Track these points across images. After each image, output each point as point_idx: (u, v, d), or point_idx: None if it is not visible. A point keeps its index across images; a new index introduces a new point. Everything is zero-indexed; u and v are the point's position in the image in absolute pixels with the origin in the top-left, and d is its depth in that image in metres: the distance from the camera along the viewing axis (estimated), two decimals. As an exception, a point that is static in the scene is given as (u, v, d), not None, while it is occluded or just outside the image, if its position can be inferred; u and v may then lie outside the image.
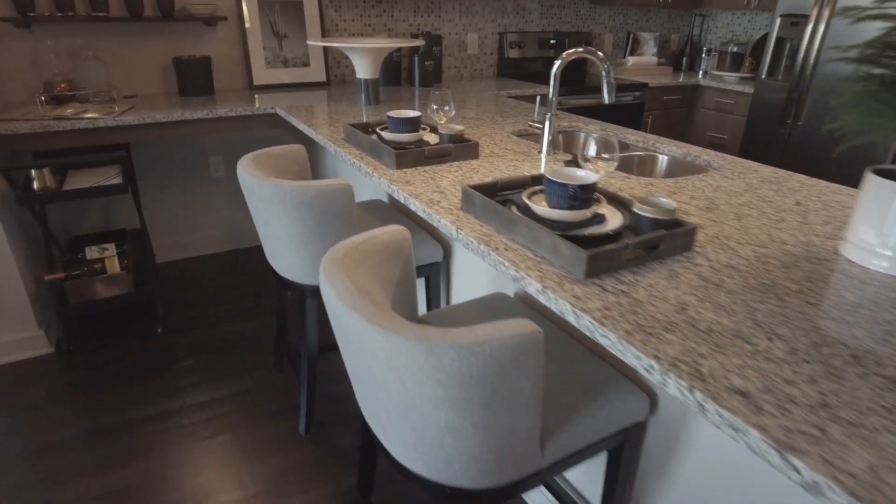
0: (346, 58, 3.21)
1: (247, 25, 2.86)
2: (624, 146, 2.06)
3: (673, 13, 4.28)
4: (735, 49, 4.05)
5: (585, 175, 1.18)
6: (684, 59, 4.25)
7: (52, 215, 2.76)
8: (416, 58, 3.13)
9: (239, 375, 2.23)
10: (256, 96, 2.80)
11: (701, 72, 4.11)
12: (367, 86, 2.52)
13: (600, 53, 1.62)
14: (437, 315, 1.37)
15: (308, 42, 2.44)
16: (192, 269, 3.09)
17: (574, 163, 1.71)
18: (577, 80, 3.55)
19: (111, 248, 2.41)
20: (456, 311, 1.39)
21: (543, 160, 1.73)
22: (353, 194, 1.57)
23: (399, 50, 3.19)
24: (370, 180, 2.02)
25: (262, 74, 2.94)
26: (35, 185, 2.14)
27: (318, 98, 2.71)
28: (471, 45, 3.55)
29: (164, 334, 2.49)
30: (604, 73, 1.63)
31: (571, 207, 1.14)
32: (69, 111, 2.26)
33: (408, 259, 1.17)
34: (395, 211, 2.03)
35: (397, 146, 1.71)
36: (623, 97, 3.50)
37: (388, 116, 1.79)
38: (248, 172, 1.57)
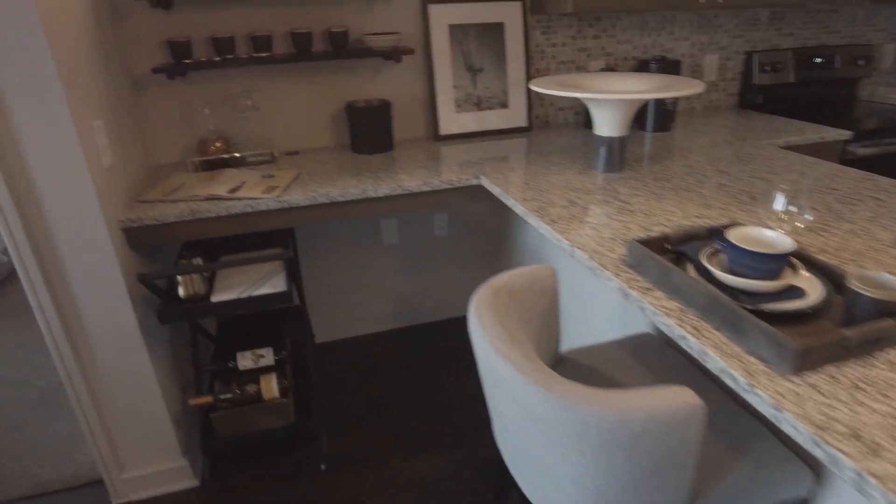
0: (550, 93, 2.47)
1: (435, 58, 2.22)
2: None
3: None
4: None
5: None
6: None
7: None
8: (650, 93, 2.32)
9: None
10: (443, 150, 2.16)
11: None
12: (611, 147, 1.76)
13: None
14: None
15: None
16: (356, 356, 2.53)
17: None
18: (837, 109, 2.54)
19: (268, 356, 1.86)
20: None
21: None
22: (704, 418, 0.85)
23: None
24: (741, 390, 1.24)
25: (450, 120, 2.29)
26: (181, 291, 1.62)
27: (524, 153, 2.00)
28: (708, 69, 2.68)
29: (329, 471, 1.91)
30: None
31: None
32: (224, 189, 1.73)
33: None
34: (675, 355, 1.26)
35: (751, 296, 0.95)
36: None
37: (728, 244, 1.02)
38: (495, 346, 0.89)
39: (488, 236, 2.66)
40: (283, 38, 2.09)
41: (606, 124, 1.72)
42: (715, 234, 1.10)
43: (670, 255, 1.19)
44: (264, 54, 1.97)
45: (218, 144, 2.04)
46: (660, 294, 1.07)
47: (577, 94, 1.57)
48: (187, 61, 1.92)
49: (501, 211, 2.59)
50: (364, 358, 2.52)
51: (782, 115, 2.54)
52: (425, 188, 1.78)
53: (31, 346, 2.79)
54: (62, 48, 1.39)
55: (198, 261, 1.68)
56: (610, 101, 1.61)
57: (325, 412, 2.19)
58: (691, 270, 1.11)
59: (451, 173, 1.84)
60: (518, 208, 1.55)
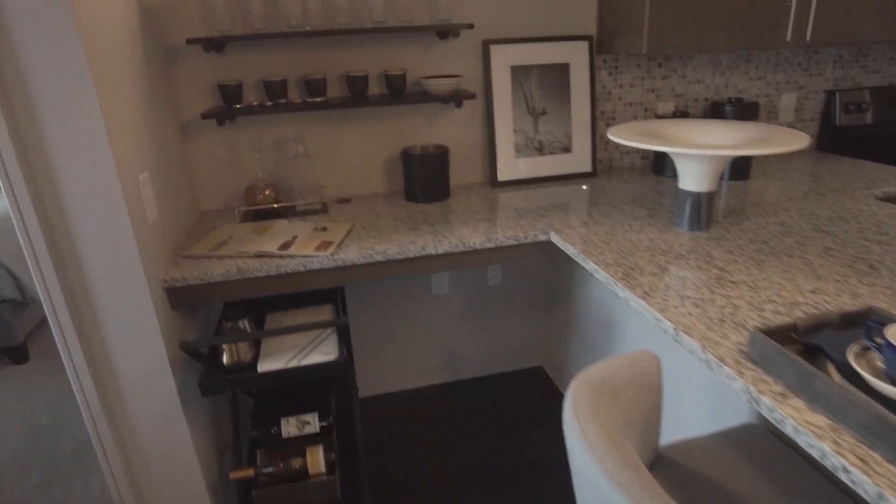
0: (615, 136, 2.31)
1: (495, 101, 2.09)
2: None
3: None
4: None
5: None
6: None
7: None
8: (727, 137, 2.13)
9: None
10: (502, 197, 2.01)
11: None
12: (697, 203, 1.58)
13: None
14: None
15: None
16: (402, 413, 2.36)
17: None
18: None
19: (313, 422, 1.71)
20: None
21: None
22: None
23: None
24: None
25: (509, 165, 2.14)
26: (225, 358, 1.49)
27: (592, 202, 1.84)
28: (785, 109, 2.48)
29: (374, 553, 1.73)
30: None
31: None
32: (275, 245, 1.60)
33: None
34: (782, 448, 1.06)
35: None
36: None
37: (892, 347, 0.83)
38: (603, 466, 0.73)
39: (546, 286, 2.49)
40: (337, 80, 1.99)
41: (694, 178, 1.55)
42: (870, 331, 0.91)
43: (798, 346, 1.00)
44: (318, 99, 1.87)
45: (267, 192, 1.93)
46: (799, 403, 0.88)
47: (669, 149, 1.40)
48: (238, 106, 1.82)
49: (561, 260, 2.42)
50: (410, 415, 2.35)
51: (868, 160, 2.33)
52: (489, 244, 1.63)
53: (68, 391, 2.70)
54: (110, 100, 1.29)
55: (244, 323, 1.56)
56: (703, 158, 1.44)
57: (372, 486, 2.02)
58: (832, 371, 0.92)
59: (516, 227, 1.69)
60: (600, 274, 1.38)
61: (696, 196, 1.57)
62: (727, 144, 1.54)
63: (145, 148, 1.49)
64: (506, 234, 1.64)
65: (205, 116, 1.76)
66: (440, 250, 1.60)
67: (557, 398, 2.42)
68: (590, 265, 1.43)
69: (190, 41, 1.69)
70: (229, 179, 2.03)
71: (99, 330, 1.39)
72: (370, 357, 2.42)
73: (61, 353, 1.39)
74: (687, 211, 1.60)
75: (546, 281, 2.48)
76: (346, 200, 2.07)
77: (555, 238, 1.63)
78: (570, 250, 1.54)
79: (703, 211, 1.59)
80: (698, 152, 1.36)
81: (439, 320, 2.43)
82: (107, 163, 1.26)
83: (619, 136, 1.55)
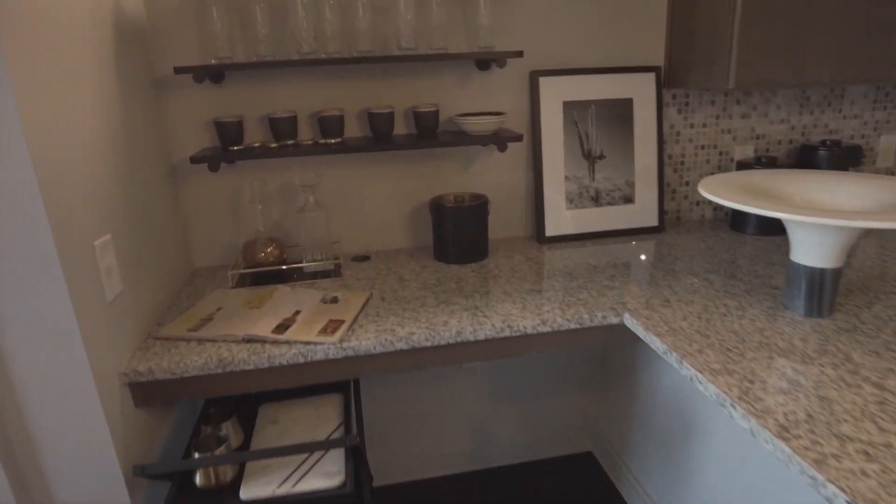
0: (685, 184, 1.95)
1: (544, 142, 1.75)
2: None
3: None
4: None
5: None
6: None
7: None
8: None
9: None
10: (552, 257, 1.65)
11: None
12: (819, 282, 1.20)
13: None
14: None
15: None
16: (422, 512, 1.97)
17: None
18: None
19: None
20: None
21: None
22: None
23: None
24: None
25: (559, 218, 1.79)
26: (198, 479, 1.14)
27: (668, 269, 1.46)
28: (885, 152, 2.09)
29: None
30: None
31: None
32: (270, 325, 1.26)
33: None
34: None
35: None
36: None
37: None
38: None
39: (600, 358, 2.10)
40: (356, 117, 1.67)
41: (816, 251, 1.17)
42: None
43: None
44: (333, 141, 1.55)
45: (269, 250, 1.60)
46: None
47: (800, 218, 1.04)
48: (235, 148, 1.51)
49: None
50: (436, 513, 1.96)
51: None
52: (544, 328, 1.27)
53: None
54: (48, 148, 0.97)
55: (227, 427, 1.21)
56: (831, 228, 1.07)
57: None
58: None
59: (577, 303, 1.32)
60: (708, 389, 1.01)
61: (818, 274, 1.19)
62: (864, 208, 1.17)
63: (111, 203, 1.18)
64: (565, 313, 1.28)
65: (194, 160, 1.45)
66: (480, 335, 1.25)
67: (609, 490, 2.01)
68: (687, 369, 1.06)
69: (178, 70, 1.39)
70: (226, 231, 1.71)
71: (32, 453, 1.06)
72: (385, 438, 2.05)
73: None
74: (803, 291, 1.22)
75: (600, 352, 2.10)
76: (365, 258, 1.73)
77: (631, 322, 1.26)
78: (656, 344, 1.16)
79: (825, 293, 1.21)
80: (844, 223, 0.99)
81: (470, 396, 2.05)
82: (41, 229, 0.93)
83: (716, 192, 1.19)
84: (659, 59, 1.81)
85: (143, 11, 1.47)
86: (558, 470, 2.14)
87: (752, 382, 0.98)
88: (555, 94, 1.73)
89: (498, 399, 2.08)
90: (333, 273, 1.60)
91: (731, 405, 0.94)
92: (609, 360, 2.04)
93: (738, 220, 1.86)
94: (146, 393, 1.18)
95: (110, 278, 1.13)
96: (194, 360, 1.15)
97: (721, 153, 1.94)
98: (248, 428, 1.34)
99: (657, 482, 1.77)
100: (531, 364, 2.05)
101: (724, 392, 0.96)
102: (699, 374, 1.02)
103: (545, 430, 2.17)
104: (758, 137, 1.96)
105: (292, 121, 1.55)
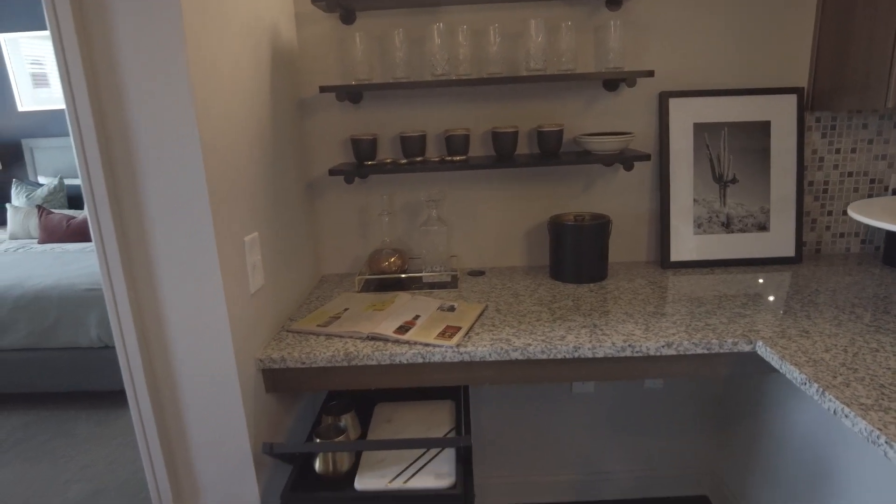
0: (827, 213, 1.80)
1: (672, 164, 1.70)
2: None
3: None
4: None
5: None
6: None
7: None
8: None
9: None
10: (676, 282, 1.58)
11: None
12: None
13: None
14: None
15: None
16: (524, 539, 1.93)
17: None
18: None
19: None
20: None
21: None
22: None
23: None
24: None
25: (686, 243, 1.72)
26: (317, 465, 1.20)
27: (807, 301, 1.34)
28: None
29: None
30: None
31: None
32: (392, 326, 1.32)
33: None
34: None
35: None
36: None
37: None
38: None
39: (721, 394, 1.96)
40: (481, 137, 1.73)
41: None
42: None
43: None
44: (457, 158, 1.61)
45: (392, 259, 1.68)
46: None
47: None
48: (370, 163, 1.62)
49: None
50: (539, 543, 1.91)
51: None
52: (669, 351, 1.22)
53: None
54: (217, 156, 1.11)
55: (346, 420, 1.27)
56: None
57: None
58: None
59: (705, 328, 1.26)
60: (857, 424, 0.91)
61: None
62: None
63: (258, 206, 1.30)
64: (692, 337, 1.22)
65: (332, 173, 1.57)
66: (599, 353, 1.22)
67: (732, 547, 1.85)
68: (832, 402, 0.97)
69: (323, 89, 1.52)
70: (355, 243, 1.82)
71: (179, 419, 1.18)
72: (490, 460, 2.03)
73: (137, 434, 1.19)
74: (978, 329, 1.08)
75: (719, 390, 1.96)
76: (480, 273, 1.76)
77: (765, 351, 1.18)
78: (794, 374, 1.08)
79: None
80: None
81: (579, 425, 1.99)
82: (203, 219, 1.06)
83: (872, 215, 1.10)
84: (801, 79, 1.70)
85: (294, 37, 1.64)
86: (672, 514, 2.01)
87: (912, 421, 0.88)
88: (685, 115, 1.68)
89: (608, 431, 2.00)
90: (450, 285, 1.65)
91: (888, 443, 0.84)
92: (728, 398, 1.90)
93: (891, 254, 1.68)
94: (276, 380, 1.27)
95: (255, 272, 1.25)
96: (323, 353, 1.23)
97: (872, 180, 1.78)
98: (364, 424, 1.40)
99: (788, 538, 1.60)
100: (646, 397, 1.96)
101: (879, 429, 0.87)
102: (845, 408, 0.93)
103: (658, 469, 2.05)
104: (918, 165, 1.78)
105: (421, 139, 1.63)
